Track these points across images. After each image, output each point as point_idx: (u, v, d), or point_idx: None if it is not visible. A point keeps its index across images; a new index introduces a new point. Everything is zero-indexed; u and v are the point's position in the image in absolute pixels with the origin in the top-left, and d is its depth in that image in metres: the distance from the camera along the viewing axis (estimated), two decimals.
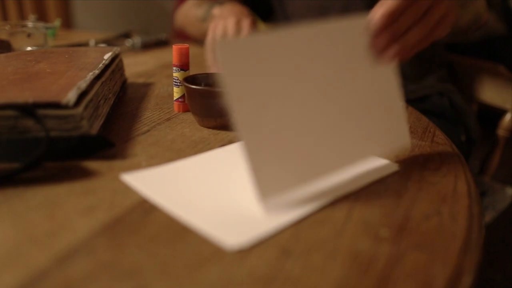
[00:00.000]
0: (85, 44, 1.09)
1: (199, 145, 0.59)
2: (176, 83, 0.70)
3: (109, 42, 1.15)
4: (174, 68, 0.69)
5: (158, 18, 3.91)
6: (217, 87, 0.67)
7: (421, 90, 1.03)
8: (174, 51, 0.68)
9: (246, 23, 0.81)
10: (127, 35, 1.23)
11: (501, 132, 1.11)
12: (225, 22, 0.82)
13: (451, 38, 0.96)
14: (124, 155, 0.55)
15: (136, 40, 1.13)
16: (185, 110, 0.70)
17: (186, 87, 0.63)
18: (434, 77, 1.07)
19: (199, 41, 1.08)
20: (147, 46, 1.14)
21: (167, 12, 3.84)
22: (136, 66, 0.97)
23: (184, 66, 0.69)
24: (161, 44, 1.18)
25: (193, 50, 1.11)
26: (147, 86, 0.83)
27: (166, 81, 0.86)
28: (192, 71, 0.92)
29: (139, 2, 3.77)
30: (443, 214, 0.45)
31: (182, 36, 3.48)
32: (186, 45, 0.68)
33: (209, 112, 0.63)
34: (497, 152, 1.13)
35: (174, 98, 0.71)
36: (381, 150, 0.54)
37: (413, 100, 1.03)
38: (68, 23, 2.71)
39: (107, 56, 0.72)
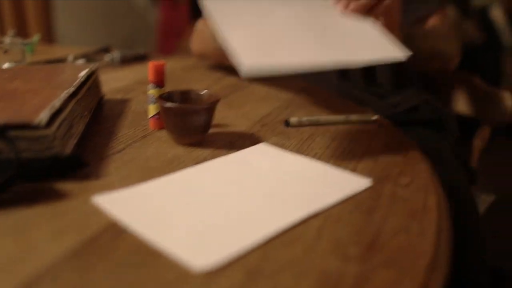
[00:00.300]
0: (63, 60, 1.09)
1: (173, 163, 0.59)
2: (151, 100, 0.70)
3: (88, 57, 1.14)
4: (150, 85, 0.69)
5: (141, 30, 3.91)
6: (192, 104, 0.67)
7: (407, 101, 1.03)
8: (150, 68, 0.68)
9: None
10: (106, 50, 1.23)
11: (477, 142, 1.13)
12: None
13: (412, 62, 0.97)
14: (97, 175, 0.55)
15: (115, 55, 1.13)
16: (161, 127, 0.70)
17: (160, 105, 0.63)
18: (413, 88, 1.08)
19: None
20: (126, 61, 1.14)
21: (149, 24, 3.84)
22: (115, 81, 0.97)
23: (159, 83, 0.69)
24: (140, 59, 1.18)
25: (173, 65, 1.11)
26: (124, 103, 0.83)
27: (143, 97, 0.86)
28: (171, 86, 0.92)
29: (122, 14, 3.77)
30: (412, 230, 0.45)
31: (166, 50, 3.48)
32: (162, 62, 0.69)
33: (183, 130, 0.63)
34: (473, 161, 1.15)
35: (150, 115, 0.71)
36: (369, 56, 0.57)
37: (401, 112, 1.03)
38: (50, 37, 2.70)
39: (82, 73, 0.72)
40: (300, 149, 0.66)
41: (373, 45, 0.65)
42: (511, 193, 2.00)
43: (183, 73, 1.04)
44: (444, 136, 1.05)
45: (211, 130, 0.70)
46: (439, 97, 1.18)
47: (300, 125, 0.73)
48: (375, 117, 0.77)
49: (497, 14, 2.82)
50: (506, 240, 1.69)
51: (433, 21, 1.03)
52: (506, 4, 2.89)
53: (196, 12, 3.52)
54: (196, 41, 1.12)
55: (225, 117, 0.77)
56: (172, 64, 1.12)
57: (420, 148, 0.89)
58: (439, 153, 0.96)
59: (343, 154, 0.64)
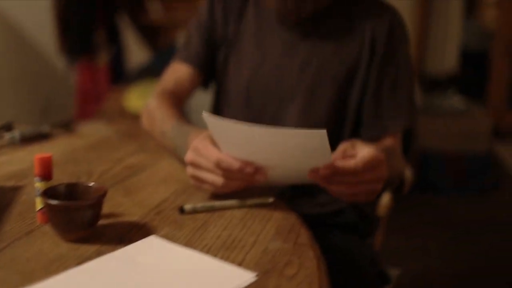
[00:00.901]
0: None
1: (54, 264, 0.57)
2: (38, 193, 0.68)
3: None
4: (36, 178, 0.67)
5: (60, 94, 3.83)
6: (79, 198, 0.66)
7: (335, 203, 1.04)
8: (35, 161, 0.67)
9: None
10: (8, 127, 1.19)
11: (381, 211, 1.17)
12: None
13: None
14: None
15: (15, 133, 1.10)
16: (49, 221, 0.68)
17: (44, 201, 0.61)
18: None
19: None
20: (26, 140, 1.11)
21: (68, 88, 3.78)
22: (10, 165, 0.94)
23: (46, 176, 0.67)
24: (43, 137, 1.15)
25: (75, 142, 1.09)
26: (15, 191, 0.80)
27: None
28: (71, 167, 0.90)
29: (40, 77, 3.69)
30: None
31: (85, 115, 3.42)
32: (48, 155, 0.67)
33: (68, 226, 0.61)
34: (379, 233, 1.18)
35: (37, 209, 0.68)
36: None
37: (326, 214, 1.04)
38: None
39: None
40: (191, 240, 0.65)
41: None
42: (417, 267, 2.08)
43: (85, 153, 1.03)
44: (364, 242, 1.09)
45: (102, 221, 0.68)
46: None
47: (194, 211, 0.73)
48: (271, 200, 0.79)
49: None
50: None
51: (389, 142, 1.02)
52: None
53: (115, 76, 3.50)
54: (146, 120, 1.11)
55: (120, 205, 0.76)
56: (75, 142, 1.10)
57: (337, 253, 0.91)
58: (355, 262, 0.99)
59: (233, 244, 0.65)
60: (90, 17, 3.48)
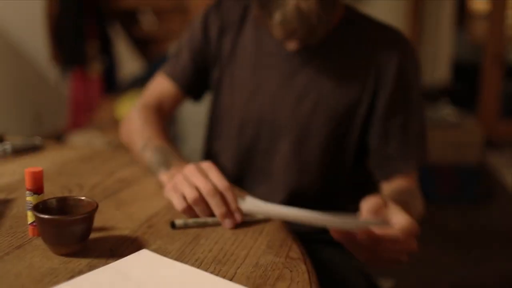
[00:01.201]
0: None
1: (46, 279, 0.57)
2: (30, 207, 0.67)
3: None
4: (27, 192, 0.67)
5: (53, 103, 3.83)
6: (70, 212, 0.65)
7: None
8: (26, 175, 0.67)
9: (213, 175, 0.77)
10: (0, 139, 1.19)
11: None
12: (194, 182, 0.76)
13: None
14: None
15: (7, 145, 1.10)
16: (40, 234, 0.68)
17: (35, 215, 0.61)
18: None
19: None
20: (18, 152, 1.10)
21: (61, 97, 3.78)
22: (2, 177, 0.93)
23: (37, 190, 0.67)
24: (35, 149, 1.14)
25: (68, 155, 1.09)
26: (5, 204, 0.80)
27: None
28: (63, 179, 0.89)
29: (33, 86, 3.69)
30: None
31: (77, 123, 3.41)
32: (39, 169, 0.67)
33: (59, 240, 0.61)
34: None
35: (29, 222, 0.68)
36: None
37: (315, 232, 0.98)
38: None
39: None
40: (183, 254, 0.65)
41: None
42: (411, 278, 2.08)
43: (76, 165, 1.02)
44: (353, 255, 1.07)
45: (93, 235, 0.68)
46: None
47: (186, 226, 0.73)
48: (261, 216, 0.78)
49: None
50: None
51: (406, 184, 0.98)
52: None
53: (108, 86, 3.51)
54: (125, 133, 1.08)
55: (111, 218, 0.75)
56: (66, 154, 1.10)
57: (326, 267, 0.90)
58: (345, 275, 0.98)
59: (225, 258, 0.65)
60: (83, 27, 3.49)
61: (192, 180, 0.75)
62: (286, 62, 1.02)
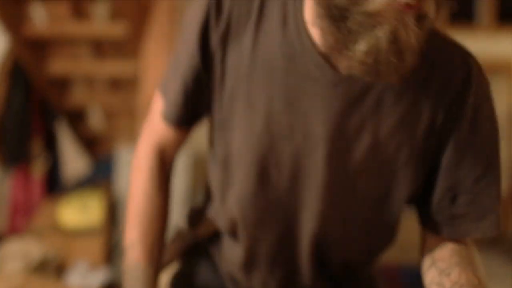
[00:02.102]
0: None
1: None
2: None
3: None
4: None
5: None
6: None
7: None
8: None
9: None
10: None
11: None
12: None
13: None
14: None
15: None
16: None
17: None
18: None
19: None
20: None
21: (2, 197, 3.59)
22: None
23: None
24: None
25: None
26: None
27: None
28: None
29: None
30: None
31: (16, 227, 3.21)
32: None
33: None
34: None
35: None
36: None
37: None
38: None
39: None
40: None
41: None
42: None
43: None
44: None
45: None
46: None
47: None
48: None
49: None
50: None
51: (470, 251, 0.84)
52: None
53: (51, 186, 3.35)
54: (133, 180, 0.93)
55: None
56: None
57: None
58: None
59: None
60: (27, 124, 3.39)
61: None
62: (333, 90, 0.74)
